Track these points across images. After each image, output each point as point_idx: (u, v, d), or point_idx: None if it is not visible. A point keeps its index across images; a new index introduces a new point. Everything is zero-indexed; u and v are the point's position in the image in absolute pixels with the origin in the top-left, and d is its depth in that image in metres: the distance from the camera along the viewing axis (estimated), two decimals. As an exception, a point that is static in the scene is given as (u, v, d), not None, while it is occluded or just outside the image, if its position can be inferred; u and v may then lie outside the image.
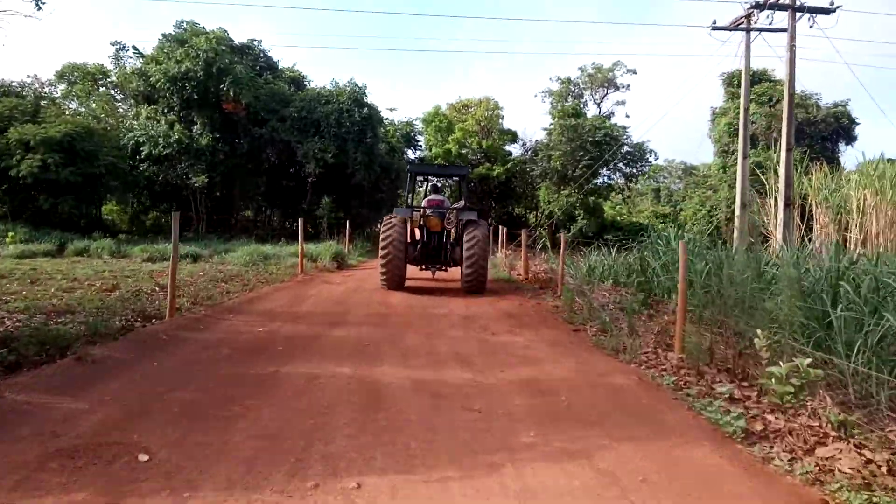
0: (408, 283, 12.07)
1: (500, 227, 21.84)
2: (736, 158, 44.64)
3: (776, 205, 21.13)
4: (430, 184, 16.25)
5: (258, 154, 24.77)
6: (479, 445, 3.81)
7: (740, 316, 6.20)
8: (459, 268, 12.28)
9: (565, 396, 4.90)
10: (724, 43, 18.69)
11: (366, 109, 24.55)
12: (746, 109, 19.57)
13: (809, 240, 18.75)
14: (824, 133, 43.14)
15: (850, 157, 46.06)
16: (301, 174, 25.40)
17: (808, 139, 43.43)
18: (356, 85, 25.02)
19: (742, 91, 19.74)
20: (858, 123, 39.64)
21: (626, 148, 34.04)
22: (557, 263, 17.01)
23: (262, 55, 28.22)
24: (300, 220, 14.38)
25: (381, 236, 11.70)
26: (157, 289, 10.42)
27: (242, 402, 4.46)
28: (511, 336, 7.49)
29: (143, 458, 3.36)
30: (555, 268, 16.25)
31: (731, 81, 45.65)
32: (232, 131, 24.66)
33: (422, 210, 12.69)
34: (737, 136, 44.36)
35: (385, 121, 32.97)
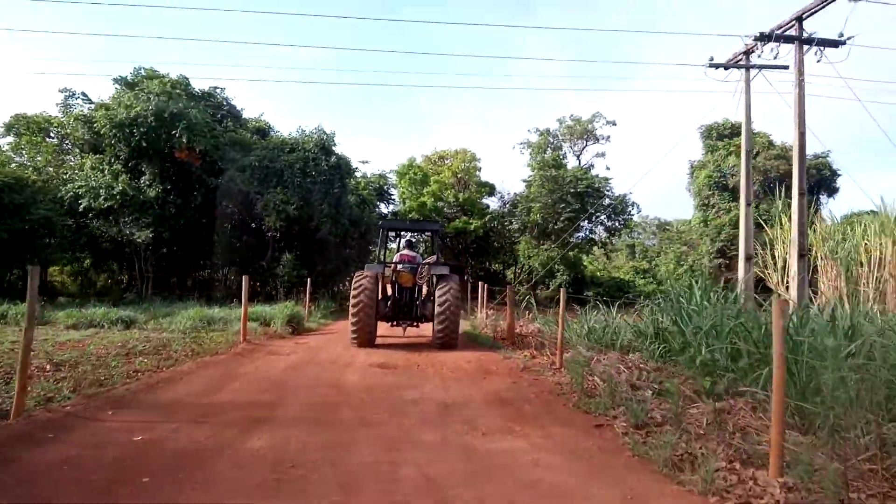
0: (373, 352, 10.83)
1: (480, 283, 19.71)
2: (717, 211, 43.94)
3: (778, 257, 19.45)
4: (403, 239, 15.92)
5: (214, 207, 22.53)
6: None
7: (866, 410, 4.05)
8: (431, 324, 12.09)
9: None
10: (722, 80, 17.22)
11: (333, 158, 22.65)
12: (749, 152, 18.04)
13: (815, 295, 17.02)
14: (810, 184, 42.53)
15: (833, 208, 45.43)
16: (262, 228, 23.15)
17: (788, 191, 42.83)
18: (323, 132, 23.17)
19: (743, 133, 18.24)
20: (840, 175, 39.07)
21: (607, 200, 32.59)
22: (547, 324, 14.92)
23: (224, 103, 26.37)
24: (244, 278, 12.09)
25: (353, 292, 11.53)
26: (47, 368, 8.04)
27: None
28: (510, 440, 5.19)
29: None
30: (544, 329, 14.10)
31: (709, 134, 45.26)
32: (185, 182, 22.47)
33: (393, 265, 12.73)
34: (717, 188, 43.77)
35: (357, 173, 31.16)
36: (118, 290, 24.85)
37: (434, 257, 13.45)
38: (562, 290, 9.49)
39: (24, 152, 27.41)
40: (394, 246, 19.32)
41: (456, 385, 7.80)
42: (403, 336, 13.45)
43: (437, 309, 11.49)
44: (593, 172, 34.24)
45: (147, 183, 21.27)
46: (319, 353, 11.02)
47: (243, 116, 26.89)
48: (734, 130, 44.45)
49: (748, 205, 17.70)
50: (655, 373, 7.70)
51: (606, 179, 32.17)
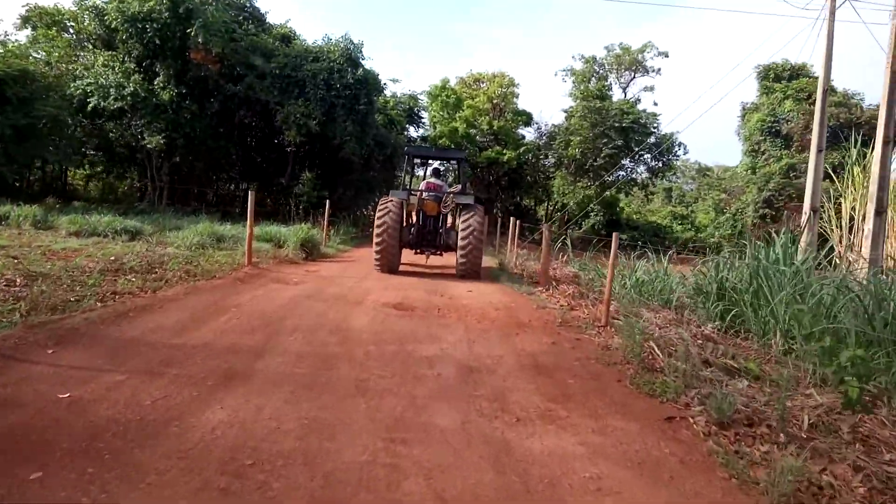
0: (390, 287, 9.93)
1: (512, 218, 18.20)
2: (767, 158, 41.27)
3: (844, 213, 17.63)
4: (430, 167, 15.41)
5: (231, 116, 21.07)
6: None
7: None
8: (454, 253, 12.14)
9: None
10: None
11: (360, 70, 20.78)
12: (826, 91, 15.78)
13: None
14: (866, 137, 39.44)
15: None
16: (282, 143, 21.70)
17: (845, 143, 39.73)
18: (350, 41, 21.18)
19: (822, 68, 15.94)
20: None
21: (652, 138, 30.30)
22: (584, 268, 13.48)
23: (247, 4, 24.39)
24: (250, 193, 10.78)
25: (377, 218, 11.56)
26: (17, 282, 6.97)
27: None
28: (554, 433, 3.87)
29: None
30: (581, 275, 12.68)
31: (766, 75, 41.87)
32: (202, 87, 20.92)
33: (419, 193, 12.58)
34: (769, 134, 40.92)
35: (387, 92, 29.23)
36: (135, 198, 23.92)
37: (459, 186, 13.48)
38: (614, 234, 7.98)
39: (41, 48, 26.00)
40: (420, 173, 18.23)
41: (482, 339, 6.50)
42: (426, 265, 13.57)
43: (459, 239, 11.53)
44: (640, 107, 31.73)
45: (161, 85, 19.76)
46: (330, 284, 9.79)
47: (267, 21, 24.89)
48: (793, 72, 41.02)
49: (819, 151, 15.64)
50: (727, 346, 6.29)
51: (654, 115, 29.79)
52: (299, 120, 19.77)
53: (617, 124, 27.73)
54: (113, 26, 18.94)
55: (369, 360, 5.24)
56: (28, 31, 26.87)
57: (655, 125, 29.53)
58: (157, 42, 18.71)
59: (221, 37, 18.98)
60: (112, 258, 9.65)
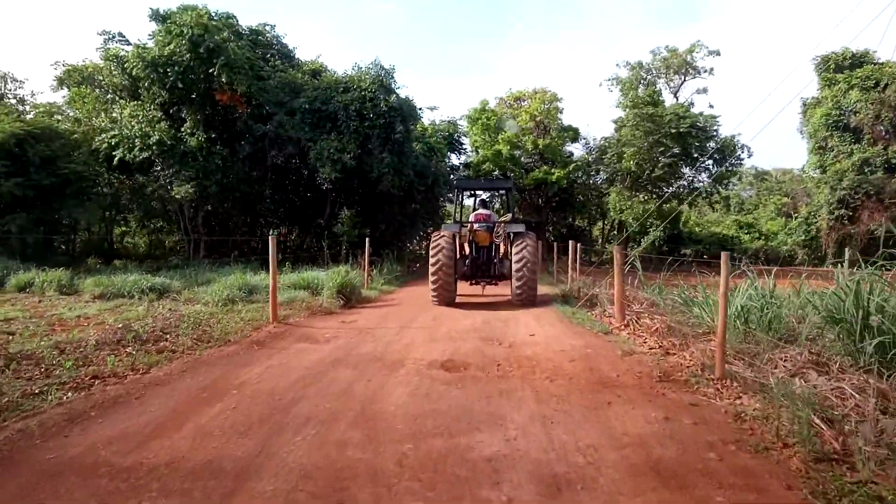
0: (437, 335, 8.60)
1: (571, 242, 16.34)
2: (836, 155, 38.07)
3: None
4: (477, 198, 15.53)
5: (263, 158, 20.06)
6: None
7: None
8: (509, 282, 12.36)
9: None
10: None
11: (393, 97, 19.49)
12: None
13: None
14: None
15: None
16: (317, 182, 20.53)
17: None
18: (381, 67, 19.96)
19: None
20: None
21: (712, 143, 27.92)
22: (661, 293, 11.46)
23: (275, 42, 23.67)
24: (270, 239, 9.36)
25: (431, 252, 11.80)
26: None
27: None
28: None
29: None
30: (658, 302, 10.67)
31: (826, 66, 38.90)
32: (231, 130, 20.05)
33: (469, 224, 12.81)
34: (836, 128, 37.84)
35: (425, 121, 28.01)
36: (170, 253, 23.20)
37: (510, 215, 13.62)
38: (724, 255, 6.07)
39: (76, 106, 25.98)
40: (469, 202, 17.86)
41: (562, 415, 4.70)
42: (483, 294, 13.59)
43: (514, 267, 11.72)
44: (694, 110, 29.45)
45: (188, 131, 18.96)
46: (365, 339, 8.19)
47: (296, 57, 24.08)
48: (856, 60, 37.91)
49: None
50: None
51: (713, 117, 27.43)
52: (333, 155, 18.56)
53: (673, 130, 25.54)
54: (134, 74, 18.28)
55: (403, 474, 3.54)
56: (64, 92, 27.04)
57: (715, 128, 27.18)
58: (181, 86, 17.90)
59: (246, 74, 18.06)
60: (121, 325, 8.36)
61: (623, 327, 9.13)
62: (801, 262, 37.12)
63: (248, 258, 19.32)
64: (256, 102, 19.58)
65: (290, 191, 21.95)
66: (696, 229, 41.12)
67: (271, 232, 17.76)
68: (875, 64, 36.55)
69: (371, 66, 19.96)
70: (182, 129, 18.95)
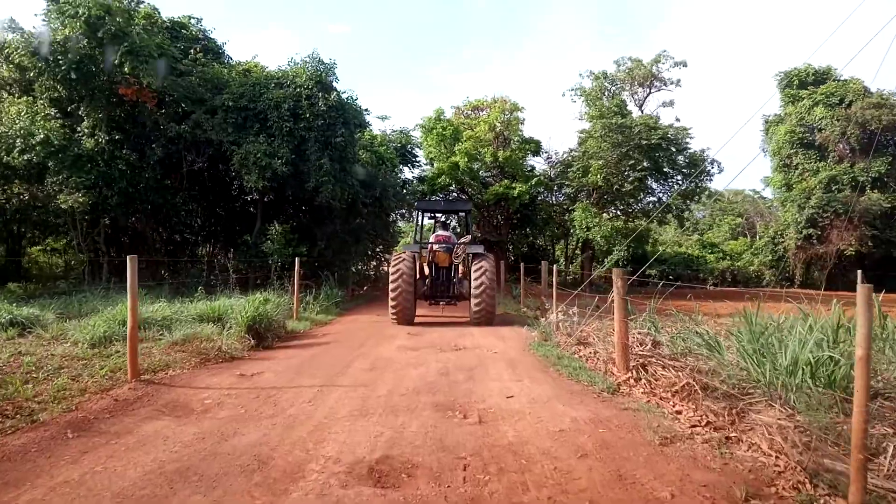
0: (373, 399, 6.01)
1: (544, 263, 13.96)
2: (801, 173, 37.11)
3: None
4: (436, 221, 15.59)
5: (178, 164, 17.00)
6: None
7: None
8: (468, 302, 12.27)
9: None
10: None
11: (334, 95, 16.74)
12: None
13: None
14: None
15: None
16: (246, 192, 17.57)
17: (893, 147, 35.50)
18: (320, 61, 17.18)
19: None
20: None
21: (681, 157, 26.13)
22: (657, 327, 9.01)
23: (202, 36, 20.61)
24: (129, 260, 6.44)
25: (391, 273, 11.96)
26: None
27: None
28: None
29: None
30: (663, 343, 8.16)
31: (789, 82, 38.16)
32: (140, 132, 16.88)
33: (430, 246, 13.16)
34: (801, 146, 36.92)
35: (372, 128, 25.35)
36: (80, 273, 19.66)
37: (469, 236, 13.53)
38: (861, 284, 3.57)
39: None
40: (428, 222, 17.57)
41: None
42: (441, 316, 13.54)
43: (473, 288, 11.79)
44: (662, 123, 27.66)
45: (87, 131, 15.79)
46: (260, 412, 5.39)
47: (227, 54, 21.06)
48: (819, 77, 37.27)
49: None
50: None
51: (684, 129, 25.60)
52: (261, 161, 15.64)
53: (644, 142, 23.54)
54: (20, 63, 15.08)
55: None
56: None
57: (687, 140, 25.37)
58: (74, 77, 14.75)
59: (150, 63, 15.00)
60: None
61: (633, 382, 6.60)
62: (768, 282, 35.88)
63: (173, 280, 16.17)
64: (171, 99, 16.54)
65: (213, 202, 18.83)
66: (660, 248, 39.54)
67: (155, 253, 14.61)
68: (838, 81, 35.99)
69: (308, 59, 17.18)
70: (79, 129, 15.75)
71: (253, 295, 12.65)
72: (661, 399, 5.85)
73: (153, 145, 16.70)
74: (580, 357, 8.23)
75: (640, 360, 7.22)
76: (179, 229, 18.46)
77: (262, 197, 17.13)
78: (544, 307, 12.75)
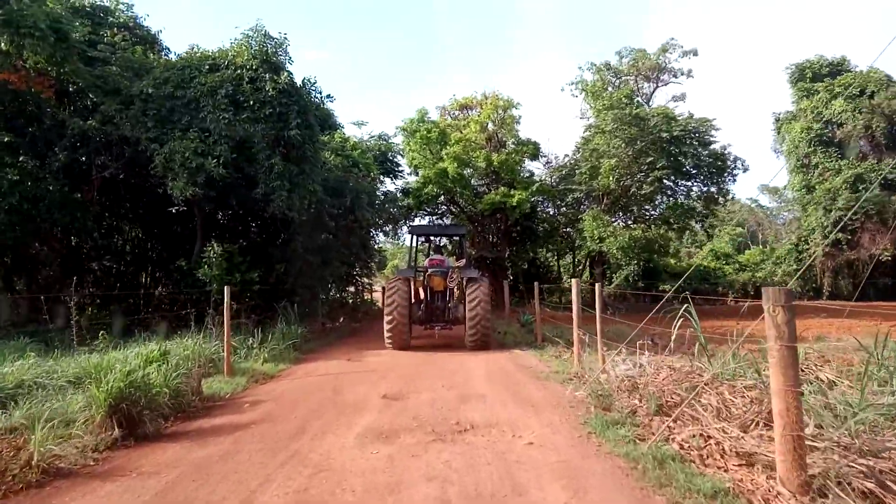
0: None
1: (574, 280, 10.32)
2: (822, 173, 33.77)
3: None
4: (430, 244, 15.57)
5: (88, 170, 13.26)
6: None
7: None
8: (463, 326, 12.13)
9: None
10: None
11: (285, 76, 13.13)
12: None
13: None
14: None
15: None
16: (174, 202, 13.83)
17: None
18: (268, 36, 13.59)
19: None
20: None
21: (706, 153, 22.64)
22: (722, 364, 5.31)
23: (131, 23, 16.96)
24: None
25: (387, 298, 12.02)
26: None
27: None
28: None
29: None
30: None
31: (801, 75, 35.17)
32: (38, 133, 13.17)
33: (424, 269, 13.08)
34: (819, 143, 33.63)
35: (343, 131, 21.78)
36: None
37: (464, 260, 14.02)
38: None
39: None
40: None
41: None
42: (436, 338, 13.39)
43: (468, 312, 11.61)
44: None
45: (-40, 130, 12.09)
46: None
47: (162, 43, 17.42)
48: (833, 68, 34.29)
49: None
50: None
51: (708, 121, 22.10)
52: (189, 162, 11.93)
53: (665, 133, 20.01)
54: None
55: None
56: None
57: (711, 134, 21.86)
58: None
59: (44, 40, 11.34)
60: None
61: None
62: (796, 294, 32.49)
63: (71, 320, 12.24)
64: (76, 88, 12.87)
65: (138, 219, 15.04)
66: (672, 262, 36.06)
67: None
68: (853, 71, 33.17)
69: (252, 32, 13.52)
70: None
71: (169, 340, 9.02)
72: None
73: (55, 148, 12.95)
74: (683, 450, 4.46)
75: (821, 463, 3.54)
76: (96, 256, 14.57)
77: (200, 210, 13.39)
78: (578, 348, 9.00)
